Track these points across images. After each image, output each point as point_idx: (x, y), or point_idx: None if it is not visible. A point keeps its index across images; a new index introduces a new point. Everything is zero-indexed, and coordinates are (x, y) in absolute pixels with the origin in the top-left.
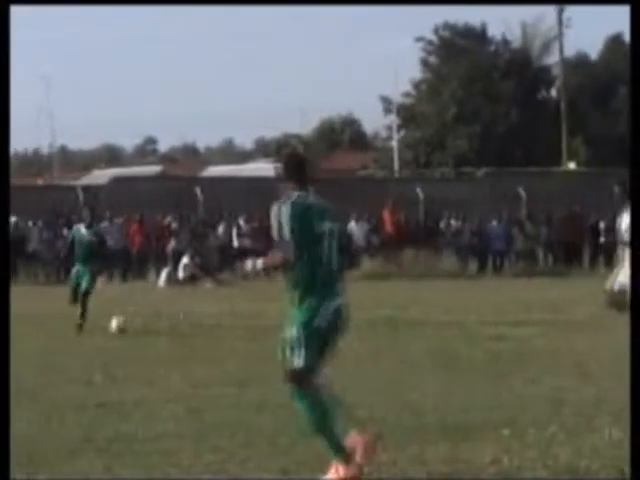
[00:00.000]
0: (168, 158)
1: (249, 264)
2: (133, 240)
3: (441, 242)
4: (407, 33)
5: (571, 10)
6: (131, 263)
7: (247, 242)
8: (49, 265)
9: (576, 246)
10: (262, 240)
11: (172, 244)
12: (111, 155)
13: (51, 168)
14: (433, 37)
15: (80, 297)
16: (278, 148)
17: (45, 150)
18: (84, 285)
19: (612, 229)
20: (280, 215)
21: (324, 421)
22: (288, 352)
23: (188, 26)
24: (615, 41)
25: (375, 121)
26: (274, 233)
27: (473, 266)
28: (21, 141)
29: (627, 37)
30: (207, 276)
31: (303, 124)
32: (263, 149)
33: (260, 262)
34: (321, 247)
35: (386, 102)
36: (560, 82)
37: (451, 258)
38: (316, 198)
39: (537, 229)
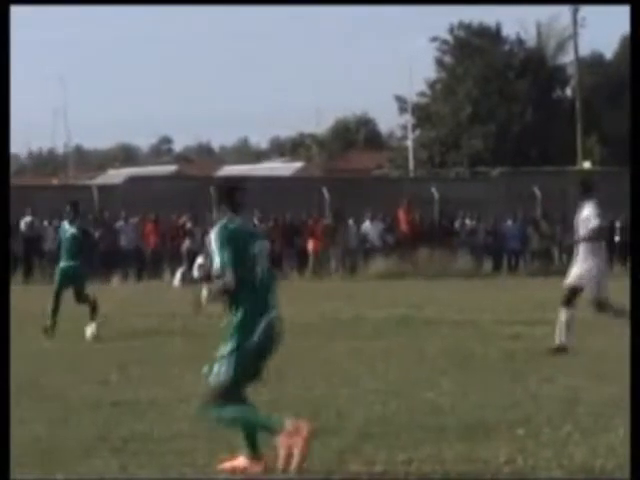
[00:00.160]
0: (183, 158)
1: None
2: (148, 240)
3: (456, 241)
4: (422, 33)
5: (586, 10)
6: (146, 263)
7: None
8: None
9: None
10: (277, 239)
11: (187, 244)
12: (126, 155)
13: (66, 168)
14: (448, 37)
15: (76, 300)
16: (293, 147)
17: (60, 150)
18: (75, 287)
19: (626, 228)
20: (211, 241)
21: (246, 423)
22: (216, 367)
23: (205, 26)
24: None
25: (390, 121)
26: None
27: (488, 265)
28: (36, 141)
29: None
30: None
31: (318, 123)
32: (278, 148)
33: (205, 294)
34: (253, 266)
35: (401, 102)
36: (575, 81)
37: (466, 257)
38: (244, 221)
39: (552, 228)
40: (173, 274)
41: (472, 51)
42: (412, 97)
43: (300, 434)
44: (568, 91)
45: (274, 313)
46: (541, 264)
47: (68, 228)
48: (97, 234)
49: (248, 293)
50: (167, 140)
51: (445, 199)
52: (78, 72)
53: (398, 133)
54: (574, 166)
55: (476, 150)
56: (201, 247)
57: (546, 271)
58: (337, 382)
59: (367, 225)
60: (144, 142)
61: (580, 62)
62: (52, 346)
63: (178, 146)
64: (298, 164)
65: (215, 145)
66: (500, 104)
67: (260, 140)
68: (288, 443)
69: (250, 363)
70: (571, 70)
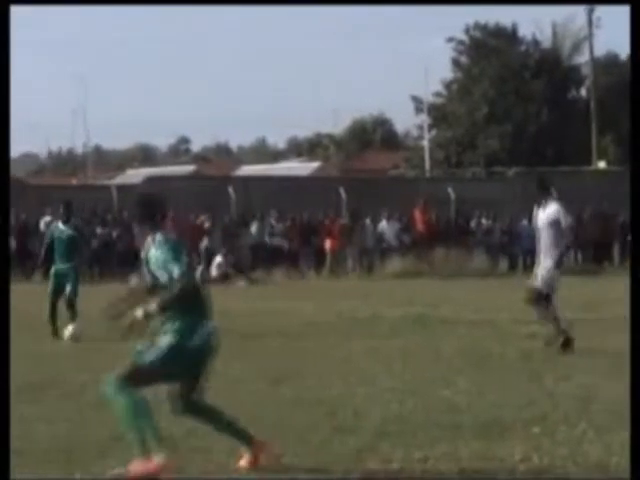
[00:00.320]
0: (201, 157)
1: (131, 317)
2: None
3: (472, 241)
4: (438, 33)
5: (601, 10)
6: None
7: (279, 241)
8: (84, 264)
9: (606, 245)
10: (294, 238)
11: (205, 243)
12: (145, 155)
13: (85, 168)
14: (464, 37)
15: (66, 303)
16: (311, 147)
17: (80, 150)
18: (69, 289)
19: None
20: (161, 254)
21: (137, 419)
22: (147, 352)
23: (224, 26)
24: None
25: (406, 121)
26: (147, 277)
27: (504, 265)
28: (56, 141)
29: None
30: (240, 275)
31: (335, 124)
32: (295, 148)
33: (140, 312)
34: (191, 276)
35: (417, 102)
36: (590, 82)
37: (482, 257)
38: (170, 235)
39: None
40: None
41: (488, 51)
42: (428, 97)
43: (150, 465)
44: (583, 91)
45: (213, 322)
46: None
47: (64, 229)
48: (115, 234)
49: (194, 300)
50: (185, 140)
51: (461, 199)
52: (97, 72)
53: (414, 133)
54: (589, 166)
55: (492, 150)
56: (219, 246)
57: (561, 270)
58: (354, 381)
59: (384, 225)
60: (162, 142)
61: (595, 62)
62: (70, 345)
63: (196, 146)
64: (315, 164)
65: (233, 145)
66: (516, 104)
67: (278, 140)
68: (140, 468)
69: (181, 364)
70: (586, 70)
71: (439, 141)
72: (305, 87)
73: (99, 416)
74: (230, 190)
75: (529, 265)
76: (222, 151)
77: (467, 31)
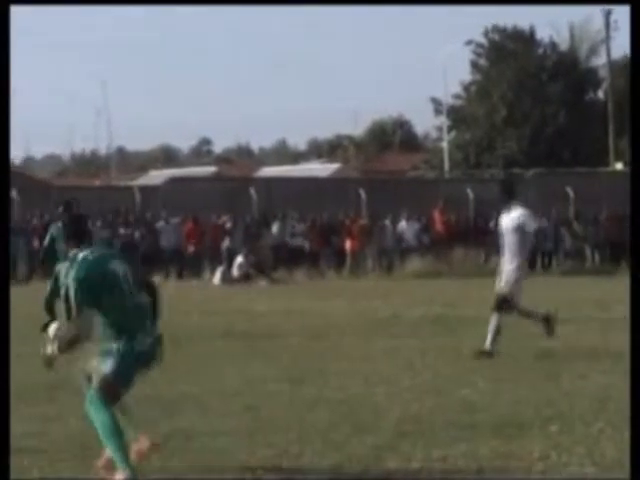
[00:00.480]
0: (223, 159)
1: (49, 349)
2: (188, 239)
3: (490, 241)
4: (457, 36)
5: (618, 13)
6: (186, 262)
7: (300, 241)
8: None
9: (622, 245)
10: (315, 239)
11: (227, 243)
12: (167, 156)
13: (109, 169)
14: (483, 40)
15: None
16: (331, 149)
17: (103, 151)
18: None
19: None
20: (68, 277)
21: (112, 432)
22: (100, 361)
23: (245, 28)
24: None
25: (426, 122)
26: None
27: None
28: (79, 142)
29: None
30: (261, 275)
31: (356, 125)
32: (316, 150)
33: (55, 347)
34: (120, 287)
35: (436, 104)
36: (607, 84)
37: (499, 257)
38: (99, 248)
39: (585, 229)
40: (213, 273)
41: (506, 54)
42: (447, 99)
43: (142, 444)
44: (600, 93)
45: (157, 331)
46: (574, 263)
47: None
48: (138, 234)
49: (123, 314)
50: (207, 142)
51: (480, 199)
52: (121, 74)
53: (433, 135)
54: (607, 167)
55: (510, 151)
56: (240, 247)
57: (579, 270)
58: (374, 380)
59: (403, 225)
60: (185, 144)
61: (612, 64)
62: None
63: (218, 148)
64: (335, 165)
65: (254, 146)
66: (534, 106)
67: (298, 141)
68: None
69: (133, 367)
70: (603, 72)
71: (458, 143)
72: (325, 89)
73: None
74: (251, 191)
75: (547, 265)
76: (243, 152)
77: (486, 34)
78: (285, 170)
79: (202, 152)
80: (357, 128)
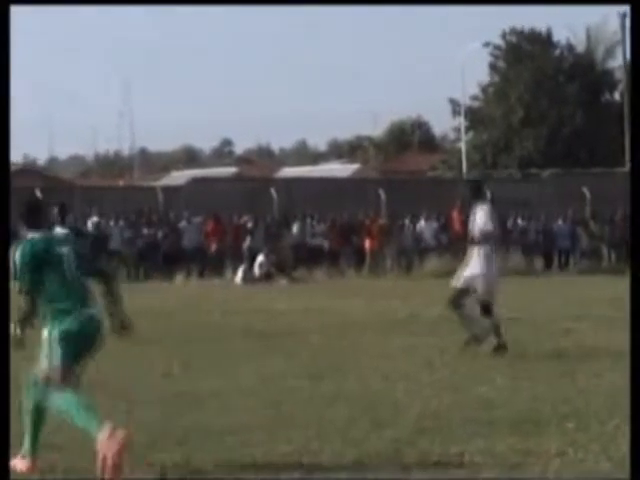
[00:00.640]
0: (244, 159)
1: (13, 330)
2: (210, 239)
3: (508, 240)
4: (475, 38)
5: None
6: (208, 261)
7: (320, 240)
8: (130, 263)
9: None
10: (334, 238)
11: (248, 243)
12: (189, 157)
13: (132, 169)
14: (501, 42)
15: None
16: (351, 149)
17: (126, 152)
18: None
19: None
20: (15, 259)
21: (79, 414)
22: (45, 353)
23: (264, 29)
24: None
25: (444, 123)
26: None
27: (539, 264)
28: (103, 144)
29: None
30: (282, 274)
31: (375, 126)
32: (336, 150)
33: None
34: (61, 269)
35: (454, 105)
36: (623, 85)
37: (518, 256)
38: (49, 233)
39: (601, 228)
40: (234, 272)
41: (524, 56)
42: (465, 100)
43: (115, 439)
44: (617, 95)
45: (95, 310)
46: (590, 262)
47: (61, 232)
48: (161, 234)
49: (61, 293)
50: (228, 142)
51: (497, 199)
52: (143, 76)
53: (451, 135)
54: (623, 167)
55: (527, 152)
56: (261, 246)
57: (595, 269)
58: (393, 377)
59: (422, 225)
60: (206, 145)
61: (628, 66)
62: (116, 341)
63: (239, 148)
64: (355, 166)
65: (275, 147)
66: (550, 107)
67: (318, 142)
68: (104, 447)
69: (74, 348)
70: (619, 74)
71: (475, 143)
72: (345, 91)
73: (144, 410)
74: (272, 191)
75: (564, 264)
76: (264, 153)
77: (503, 36)
78: (305, 170)
79: (223, 153)
80: (376, 129)
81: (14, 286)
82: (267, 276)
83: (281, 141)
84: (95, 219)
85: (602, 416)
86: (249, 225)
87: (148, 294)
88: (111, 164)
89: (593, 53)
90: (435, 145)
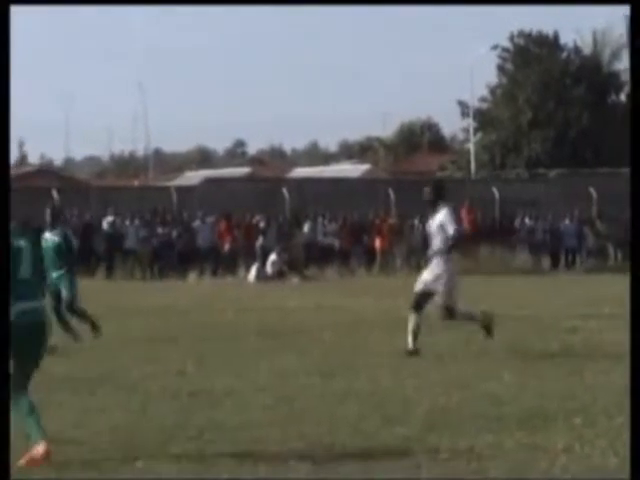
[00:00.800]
0: (256, 160)
1: None
2: (223, 238)
3: (515, 240)
4: (483, 41)
5: None
6: (221, 260)
7: (331, 240)
8: (145, 262)
9: None
10: (345, 238)
11: (260, 242)
12: (203, 157)
13: (146, 170)
14: (509, 45)
15: (67, 308)
16: (361, 150)
17: (141, 153)
18: (65, 294)
19: None
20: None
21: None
22: None
23: (277, 30)
24: None
25: (453, 125)
26: None
27: (546, 262)
28: (118, 144)
29: None
30: (294, 272)
31: (385, 127)
32: (346, 151)
33: None
34: (15, 262)
35: (463, 106)
36: (629, 87)
37: (525, 255)
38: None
39: (607, 227)
40: (247, 270)
41: (531, 58)
42: (474, 102)
43: (38, 453)
44: (622, 96)
45: (37, 303)
46: (597, 261)
47: (50, 237)
48: (175, 233)
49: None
50: (241, 143)
51: (505, 199)
52: (158, 78)
53: (460, 136)
54: (628, 167)
55: (535, 153)
56: (274, 245)
57: (601, 268)
58: (403, 374)
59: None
60: (220, 145)
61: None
62: (131, 338)
63: (252, 149)
64: (365, 166)
65: (287, 148)
66: (558, 109)
67: (329, 143)
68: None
69: (16, 344)
70: (625, 76)
71: (484, 144)
72: (356, 92)
73: (159, 407)
74: (284, 191)
75: (571, 263)
76: (276, 154)
77: (511, 39)
78: (317, 171)
79: (236, 153)
80: (386, 130)
81: None
82: (279, 274)
83: (293, 142)
84: (110, 219)
85: (609, 412)
86: (262, 224)
87: (162, 293)
88: (126, 164)
89: (599, 56)
90: (444, 146)
